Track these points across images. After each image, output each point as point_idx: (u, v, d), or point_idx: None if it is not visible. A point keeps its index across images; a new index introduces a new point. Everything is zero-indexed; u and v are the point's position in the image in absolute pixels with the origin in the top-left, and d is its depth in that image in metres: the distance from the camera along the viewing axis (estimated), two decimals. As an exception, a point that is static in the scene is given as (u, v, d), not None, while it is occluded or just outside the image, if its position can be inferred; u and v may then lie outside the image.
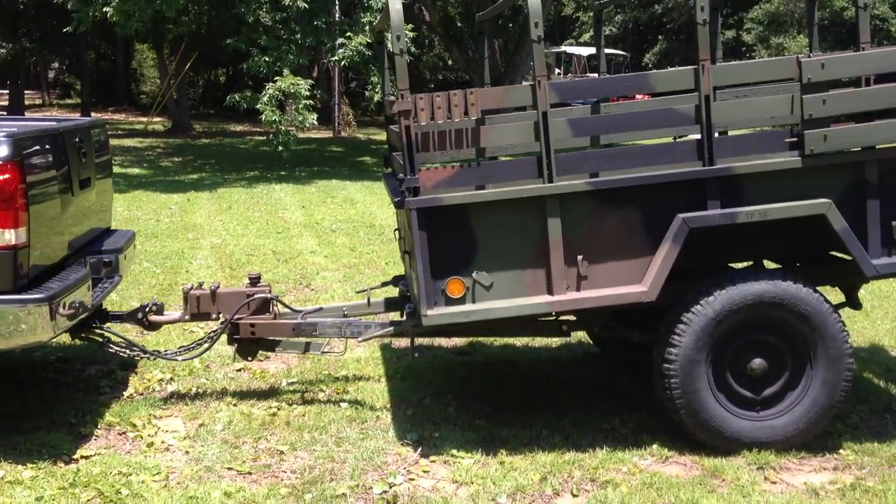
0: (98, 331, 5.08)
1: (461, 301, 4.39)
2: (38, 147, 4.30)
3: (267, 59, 17.42)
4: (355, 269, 8.91)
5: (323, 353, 5.27)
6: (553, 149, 4.33)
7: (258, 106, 17.27)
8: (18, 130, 4.18)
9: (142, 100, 39.78)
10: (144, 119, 30.42)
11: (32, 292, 4.08)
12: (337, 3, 20.70)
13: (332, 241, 10.64)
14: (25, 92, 36.27)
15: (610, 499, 3.99)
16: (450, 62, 37.07)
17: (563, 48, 37.78)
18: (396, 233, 5.70)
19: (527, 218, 4.36)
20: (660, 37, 43.06)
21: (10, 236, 3.96)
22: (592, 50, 35.22)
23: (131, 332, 5.79)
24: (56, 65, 45.12)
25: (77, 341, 5.32)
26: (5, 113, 28.36)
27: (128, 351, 5.17)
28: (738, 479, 4.20)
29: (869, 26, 4.40)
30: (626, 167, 4.50)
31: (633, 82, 4.83)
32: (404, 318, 5.08)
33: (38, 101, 41.26)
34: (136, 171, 18.05)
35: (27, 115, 26.76)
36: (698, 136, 4.44)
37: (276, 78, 17.23)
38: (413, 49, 18.45)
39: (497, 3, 5.62)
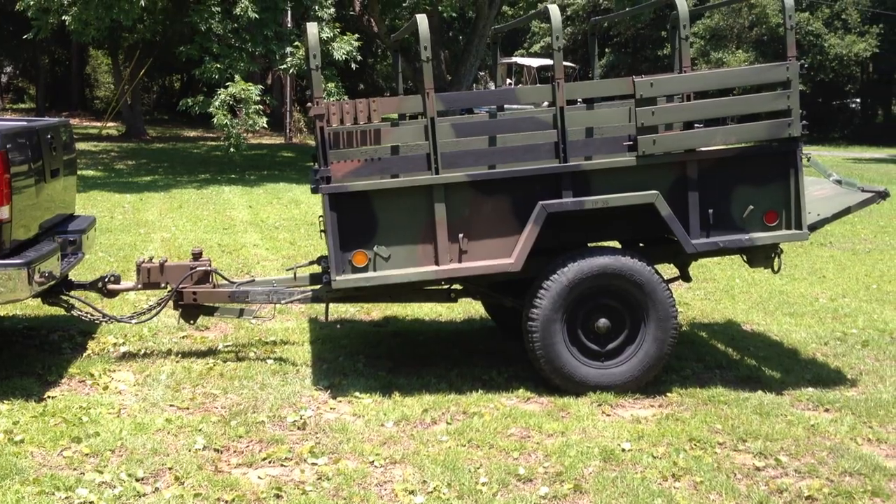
0: (64, 297, 6.05)
1: (365, 269, 5.43)
2: (19, 141, 5.28)
3: (219, 66, 18.33)
4: (293, 260, 9.86)
5: (255, 317, 6.30)
6: (439, 147, 5.39)
7: (210, 110, 18.17)
8: (4, 127, 5.15)
9: (96, 105, 40.28)
10: (98, 124, 31.08)
11: (13, 259, 5.05)
12: (289, 12, 21.67)
13: (274, 236, 11.62)
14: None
15: (474, 424, 5.05)
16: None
17: (513, 59, 38.48)
18: (320, 218, 6.72)
19: (418, 203, 5.41)
20: (607, 49, 44.39)
21: (-3, 213, 4.94)
22: (543, 61, 36.21)
23: (95, 301, 6.73)
24: (9, 69, 45.35)
25: (45, 308, 6.26)
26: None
27: (90, 314, 6.14)
28: (579, 411, 5.29)
29: (689, 54, 5.52)
30: (498, 162, 5.59)
31: (503, 95, 5.93)
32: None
33: (-9, 105, 41.53)
34: (90, 172, 18.83)
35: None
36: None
37: (227, 84, 18.16)
38: (359, 57, 19.44)
39: (407, 25, 6.68)
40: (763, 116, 5.60)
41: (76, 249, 6.07)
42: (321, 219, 6.44)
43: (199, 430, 4.90)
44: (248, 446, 4.75)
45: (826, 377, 6.02)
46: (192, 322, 6.23)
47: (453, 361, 6.19)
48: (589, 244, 5.87)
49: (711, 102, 5.63)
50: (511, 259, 5.47)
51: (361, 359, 6.23)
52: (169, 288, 6.09)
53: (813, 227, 5.70)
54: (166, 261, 6.12)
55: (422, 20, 5.38)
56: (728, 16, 39.00)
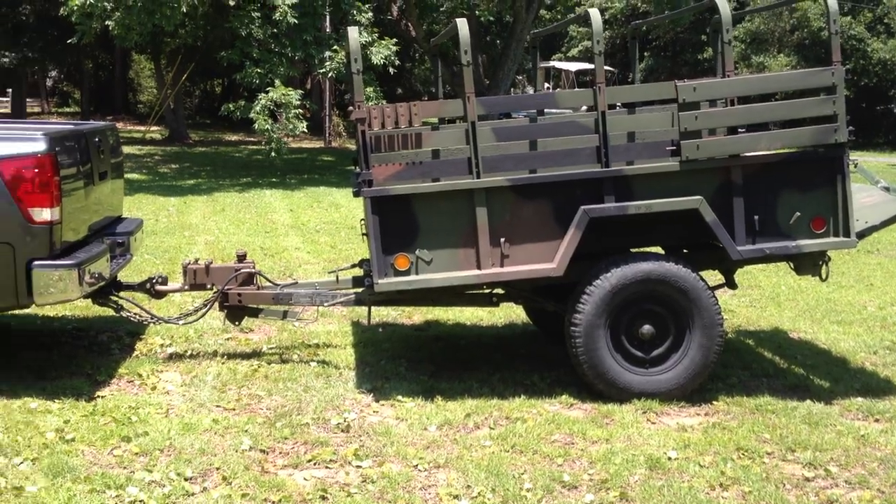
0: (113, 298, 6.14)
1: (406, 273, 5.45)
2: (68, 144, 5.38)
3: (259, 70, 18.52)
4: (334, 263, 9.91)
5: (298, 319, 6.35)
6: (480, 151, 5.39)
7: (251, 115, 18.35)
8: (53, 130, 5.26)
9: (139, 109, 40.79)
10: (142, 128, 31.50)
11: (64, 259, 5.14)
12: (328, 17, 21.80)
13: (315, 239, 11.70)
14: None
15: (517, 430, 5.04)
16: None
17: (552, 63, 38.11)
18: (361, 221, 6.76)
19: (459, 207, 5.42)
20: (646, 53, 44.02)
21: (47, 214, 5.03)
22: (581, 65, 35.91)
23: (142, 302, 6.83)
24: (54, 73, 46.13)
25: (93, 309, 6.36)
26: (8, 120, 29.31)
27: (138, 315, 6.23)
28: (623, 419, 5.26)
29: (733, 58, 5.47)
30: (540, 167, 5.58)
31: (543, 99, 5.92)
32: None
33: (36, 109, 42.27)
34: (135, 176, 19.08)
35: (29, 122, 27.68)
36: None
37: (268, 88, 18.33)
38: (397, 62, 19.54)
39: (445, 31, 6.70)
40: (807, 122, 5.54)
41: (124, 251, 6.16)
42: (363, 222, 6.49)
43: (246, 430, 4.96)
44: (293, 448, 4.79)
45: (875, 387, 5.93)
46: (237, 323, 6.30)
47: (495, 366, 6.19)
48: (632, 249, 5.84)
49: (756, 107, 5.57)
50: (553, 264, 5.45)
51: (403, 362, 6.26)
52: (215, 289, 6.16)
53: (861, 235, 5.63)
54: (211, 263, 6.19)
55: (462, 24, 5.40)
56: (769, 19, 38.51)
